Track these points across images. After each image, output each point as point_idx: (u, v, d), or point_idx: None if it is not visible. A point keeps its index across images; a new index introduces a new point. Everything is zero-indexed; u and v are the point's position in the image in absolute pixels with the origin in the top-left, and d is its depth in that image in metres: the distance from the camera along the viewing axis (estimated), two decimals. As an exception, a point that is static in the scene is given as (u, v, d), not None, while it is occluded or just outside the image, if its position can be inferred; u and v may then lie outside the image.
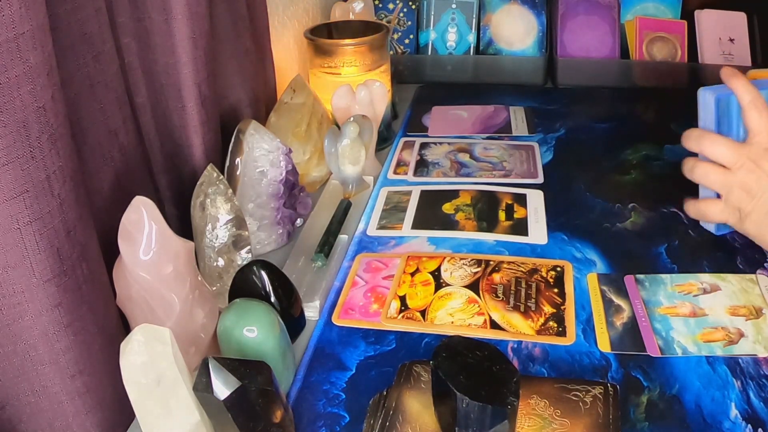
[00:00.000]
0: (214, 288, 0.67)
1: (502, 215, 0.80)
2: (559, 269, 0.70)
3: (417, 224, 0.79)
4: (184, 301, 0.54)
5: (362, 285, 0.70)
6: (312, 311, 0.66)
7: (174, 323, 0.54)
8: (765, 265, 0.69)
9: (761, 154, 0.64)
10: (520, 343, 0.61)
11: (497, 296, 0.66)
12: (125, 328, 0.56)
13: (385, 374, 0.58)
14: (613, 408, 0.52)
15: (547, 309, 0.64)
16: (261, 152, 0.73)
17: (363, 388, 0.57)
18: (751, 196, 0.64)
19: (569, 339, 0.61)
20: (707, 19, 1.15)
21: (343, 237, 0.77)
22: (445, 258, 0.72)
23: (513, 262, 0.71)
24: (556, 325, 0.62)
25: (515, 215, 0.80)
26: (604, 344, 0.60)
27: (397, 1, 1.22)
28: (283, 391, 0.52)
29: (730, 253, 0.71)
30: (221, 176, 0.66)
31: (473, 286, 0.68)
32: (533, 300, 0.66)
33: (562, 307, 0.65)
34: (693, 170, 0.68)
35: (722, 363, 0.57)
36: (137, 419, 0.48)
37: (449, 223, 0.79)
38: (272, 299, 0.60)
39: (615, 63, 1.16)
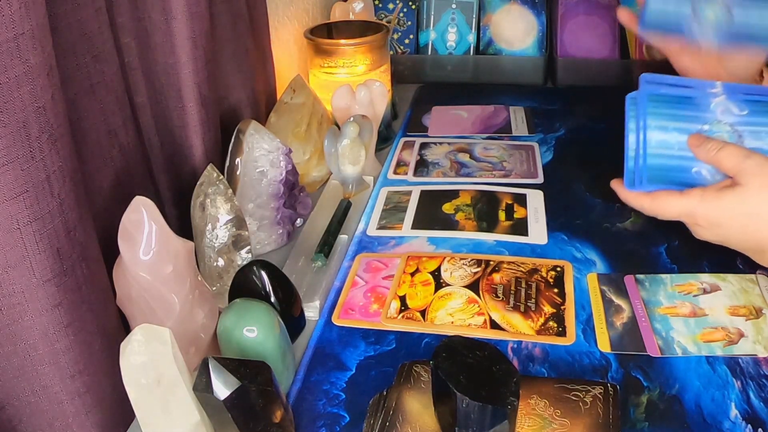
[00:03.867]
0: (214, 288, 0.67)
1: (502, 215, 0.80)
2: (559, 269, 0.70)
3: (417, 224, 0.79)
4: (184, 301, 0.54)
5: (362, 285, 0.70)
6: (312, 311, 0.66)
7: (174, 323, 0.54)
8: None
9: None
10: (520, 343, 0.61)
11: (497, 296, 0.66)
12: (125, 328, 0.56)
13: (385, 374, 0.58)
14: (613, 408, 0.52)
15: (547, 309, 0.64)
16: (261, 152, 0.73)
17: (363, 388, 0.57)
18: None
19: (569, 339, 0.61)
20: (707, 19, 1.14)
21: (343, 237, 0.77)
22: (445, 258, 0.72)
23: (513, 262, 0.71)
24: (556, 325, 0.62)
25: (515, 215, 0.80)
26: (604, 344, 0.60)
27: (397, 1, 1.22)
28: (283, 391, 0.52)
29: (730, 253, 0.70)
30: (221, 176, 0.66)
31: (473, 286, 0.68)
32: (533, 300, 0.66)
33: (562, 307, 0.65)
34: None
35: (722, 363, 0.57)
36: (137, 419, 0.48)
37: (449, 223, 0.79)
38: (272, 299, 0.60)
39: (615, 63, 1.16)
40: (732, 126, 0.66)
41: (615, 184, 0.69)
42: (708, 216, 0.61)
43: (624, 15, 0.77)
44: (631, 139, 0.68)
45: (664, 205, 0.64)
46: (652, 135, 0.67)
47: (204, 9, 0.67)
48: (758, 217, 0.59)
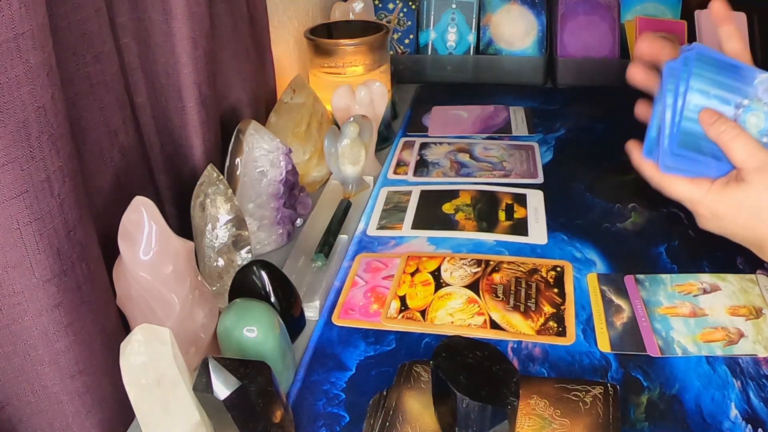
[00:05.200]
0: (214, 288, 0.67)
1: (502, 215, 0.80)
2: (559, 269, 0.70)
3: (417, 224, 0.79)
4: (184, 301, 0.54)
5: (362, 285, 0.70)
6: (312, 311, 0.66)
7: (174, 323, 0.54)
8: (765, 265, 0.68)
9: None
10: (520, 343, 0.61)
11: (497, 296, 0.66)
12: (125, 328, 0.56)
13: (385, 374, 0.58)
14: (613, 408, 0.52)
15: (547, 309, 0.64)
16: (261, 152, 0.73)
17: (363, 388, 0.57)
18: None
19: (569, 339, 0.61)
20: (707, 19, 1.14)
21: (343, 237, 0.77)
22: (445, 258, 0.72)
23: (513, 262, 0.71)
24: (556, 325, 0.62)
25: (515, 215, 0.80)
26: (604, 344, 0.60)
27: (397, 1, 1.22)
28: (283, 391, 0.52)
29: (730, 253, 0.71)
30: (221, 176, 0.66)
31: (473, 286, 0.68)
32: (533, 300, 0.66)
33: (562, 307, 0.65)
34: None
35: (722, 363, 0.57)
36: (137, 419, 0.48)
37: (449, 223, 0.79)
38: (272, 299, 0.60)
39: (615, 63, 1.16)
40: None
41: (630, 146, 0.67)
42: (711, 207, 0.62)
43: (643, 111, 0.71)
44: (659, 110, 0.65)
45: (671, 183, 0.64)
46: (692, 97, 0.64)
47: (204, 9, 0.67)
48: (760, 214, 0.60)
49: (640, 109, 0.71)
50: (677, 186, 0.64)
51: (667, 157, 0.65)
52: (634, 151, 0.67)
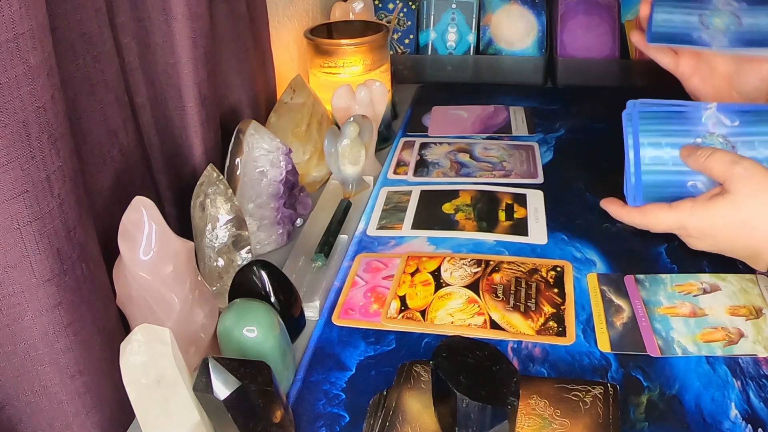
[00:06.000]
0: (214, 288, 0.67)
1: (502, 215, 0.80)
2: (559, 269, 0.70)
3: (417, 224, 0.79)
4: (184, 301, 0.54)
5: (362, 285, 0.70)
6: (312, 311, 0.66)
7: (174, 323, 0.54)
8: (765, 265, 0.69)
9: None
10: (520, 343, 0.61)
11: (497, 296, 0.66)
12: (125, 328, 0.56)
13: (385, 374, 0.58)
14: (613, 408, 0.52)
15: (547, 309, 0.64)
16: (261, 152, 0.73)
17: (363, 388, 0.57)
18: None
19: (569, 339, 0.61)
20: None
21: (343, 237, 0.77)
22: (445, 258, 0.72)
23: (513, 262, 0.71)
24: (556, 325, 0.62)
25: (515, 215, 0.80)
26: (604, 344, 0.60)
27: (397, 1, 1.22)
28: (283, 391, 0.52)
29: (730, 253, 0.71)
30: (221, 176, 0.66)
31: (473, 286, 0.68)
32: (533, 300, 0.66)
33: (562, 307, 0.65)
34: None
35: (722, 363, 0.57)
36: (137, 419, 0.48)
37: (449, 223, 0.79)
38: (272, 299, 0.60)
39: (615, 63, 1.16)
40: (725, 137, 0.67)
41: (605, 203, 0.70)
42: (699, 227, 0.62)
43: (636, 37, 0.77)
44: (630, 155, 0.68)
45: (655, 219, 0.65)
46: (645, 152, 0.68)
47: (204, 9, 0.67)
48: (749, 225, 0.60)
49: (636, 38, 0.76)
50: (660, 218, 0.65)
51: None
52: (610, 205, 0.70)
